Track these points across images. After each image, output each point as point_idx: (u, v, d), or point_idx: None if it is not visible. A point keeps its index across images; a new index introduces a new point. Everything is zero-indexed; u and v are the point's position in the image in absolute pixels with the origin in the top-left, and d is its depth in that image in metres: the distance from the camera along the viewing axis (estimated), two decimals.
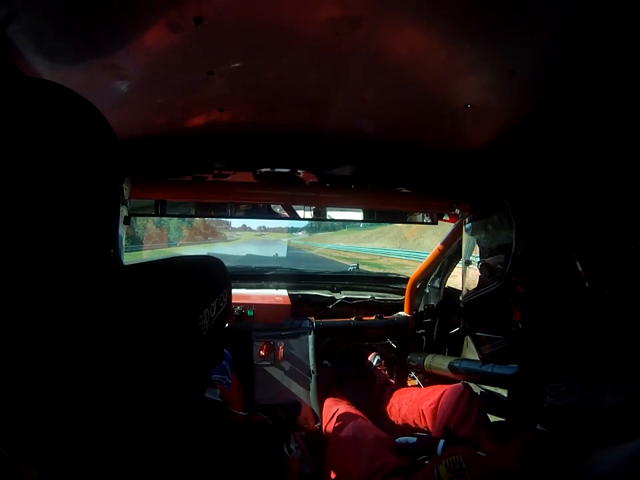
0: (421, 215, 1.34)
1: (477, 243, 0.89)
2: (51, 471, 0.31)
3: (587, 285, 0.64)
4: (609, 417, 0.58)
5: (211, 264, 0.50)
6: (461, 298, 0.95)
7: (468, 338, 1.69)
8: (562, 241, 0.67)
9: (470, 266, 0.92)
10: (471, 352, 1.66)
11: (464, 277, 0.93)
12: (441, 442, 0.90)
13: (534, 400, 0.67)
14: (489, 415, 1.15)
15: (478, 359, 1.40)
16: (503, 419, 1.28)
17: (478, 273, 0.85)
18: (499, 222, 0.80)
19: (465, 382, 1.24)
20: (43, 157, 0.36)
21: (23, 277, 0.34)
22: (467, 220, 0.96)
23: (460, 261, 1.72)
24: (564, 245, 0.67)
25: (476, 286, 0.84)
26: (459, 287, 1.80)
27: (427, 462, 0.87)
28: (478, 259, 0.87)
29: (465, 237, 0.97)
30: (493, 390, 1.38)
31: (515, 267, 0.71)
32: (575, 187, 0.73)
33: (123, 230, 0.48)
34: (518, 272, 0.71)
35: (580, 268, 0.64)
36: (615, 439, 0.49)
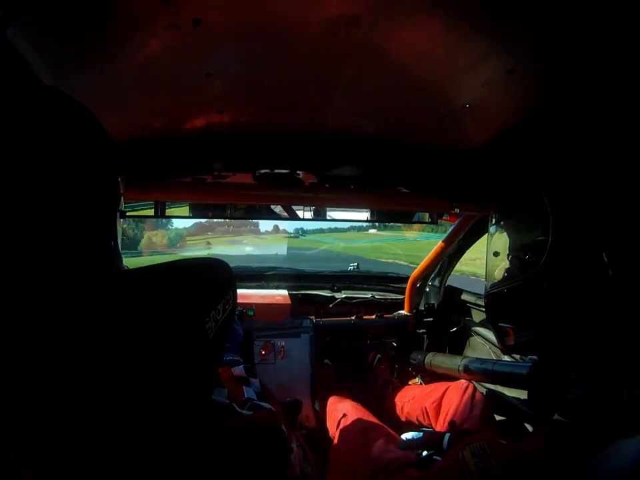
0: (421, 214, 1.34)
1: (508, 236, 0.89)
2: (51, 472, 0.32)
3: (614, 279, 0.64)
4: (630, 410, 0.59)
5: (216, 266, 0.50)
6: (485, 289, 0.95)
7: (470, 340, 1.68)
8: (591, 234, 0.68)
9: (497, 258, 0.91)
10: (471, 350, 1.66)
11: (489, 269, 0.93)
12: (447, 436, 0.90)
13: (558, 391, 0.68)
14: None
15: (478, 357, 1.41)
16: (507, 417, 1.29)
17: (504, 266, 0.86)
18: (534, 216, 0.80)
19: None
20: (44, 154, 0.37)
21: (25, 271, 0.34)
22: (494, 213, 0.95)
23: (459, 259, 1.74)
24: (593, 238, 0.67)
25: (503, 278, 0.85)
26: (456, 284, 1.82)
27: (435, 457, 0.88)
28: (507, 251, 0.87)
29: (493, 228, 0.96)
30: (494, 388, 1.39)
31: (549, 261, 0.71)
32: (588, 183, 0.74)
33: (119, 223, 0.49)
34: (551, 265, 0.71)
35: (607, 260, 0.65)
36: (635, 431, 0.50)
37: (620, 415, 0.60)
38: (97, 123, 0.44)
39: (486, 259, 0.95)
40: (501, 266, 0.88)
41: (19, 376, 0.31)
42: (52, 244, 0.36)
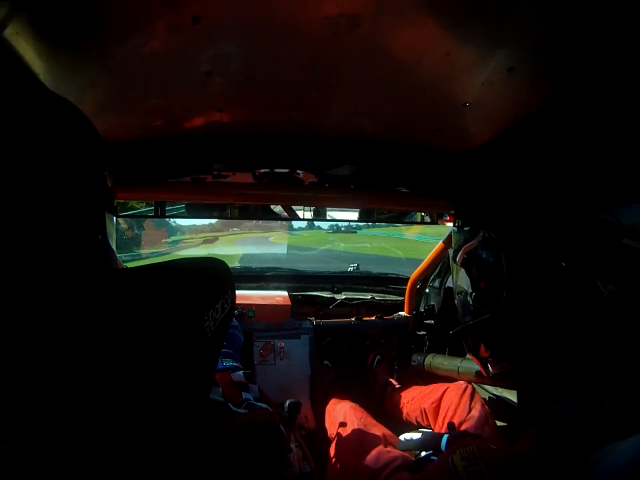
0: (421, 214, 1.34)
1: (468, 275, 0.91)
2: (46, 469, 0.31)
3: (581, 294, 0.65)
4: (613, 419, 0.59)
5: (214, 265, 0.50)
6: (458, 324, 0.97)
7: None
8: (551, 257, 0.69)
9: (463, 295, 0.94)
10: None
11: (458, 306, 0.96)
12: (445, 437, 0.91)
13: (541, 408, 0.69)
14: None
15: None
16: (505, 417, 1.28)
17: (471, 297, 0.88)
18: (488, 254, 0.82)
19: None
20: (19, 144, 0.37)
21: (16, 267, 0.34)
22: (454, 252, 0.98)
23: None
24: (553, 259, 0.68)
25: (471, 314, 0.86)
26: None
27: (432, 457, 0.88)
28: (470, 290, 0.89)
29: (455, 268, 0.99)
30: (493, 389, 1.38)
31: (509, 296, 0.73)
32: (573, 188, 0.74)
33: (110, 217, 0.49)
34: (512, 298, 0.73)
35: (570, 278, 0.66)
36: (622, 436, 0.50)
37: (603, 425, 0.61)
38: (81, 115, 0.44)
39: (455, 295, 0.97)
40: (466, 301, 0.91)
41: (11, 371, 0.31)
42: (27, 230, 0.36)
